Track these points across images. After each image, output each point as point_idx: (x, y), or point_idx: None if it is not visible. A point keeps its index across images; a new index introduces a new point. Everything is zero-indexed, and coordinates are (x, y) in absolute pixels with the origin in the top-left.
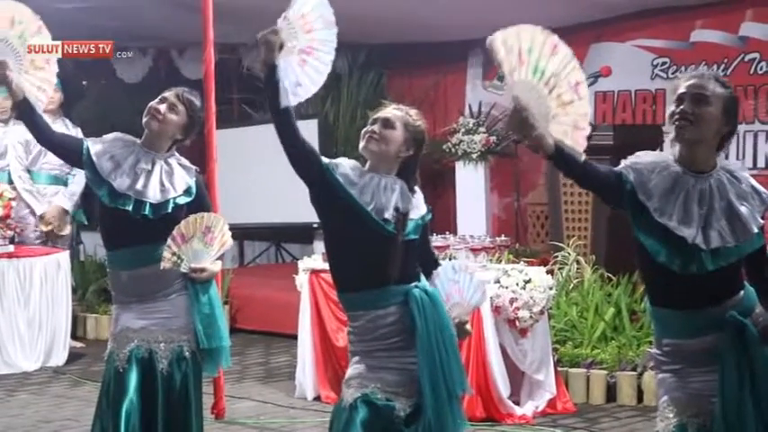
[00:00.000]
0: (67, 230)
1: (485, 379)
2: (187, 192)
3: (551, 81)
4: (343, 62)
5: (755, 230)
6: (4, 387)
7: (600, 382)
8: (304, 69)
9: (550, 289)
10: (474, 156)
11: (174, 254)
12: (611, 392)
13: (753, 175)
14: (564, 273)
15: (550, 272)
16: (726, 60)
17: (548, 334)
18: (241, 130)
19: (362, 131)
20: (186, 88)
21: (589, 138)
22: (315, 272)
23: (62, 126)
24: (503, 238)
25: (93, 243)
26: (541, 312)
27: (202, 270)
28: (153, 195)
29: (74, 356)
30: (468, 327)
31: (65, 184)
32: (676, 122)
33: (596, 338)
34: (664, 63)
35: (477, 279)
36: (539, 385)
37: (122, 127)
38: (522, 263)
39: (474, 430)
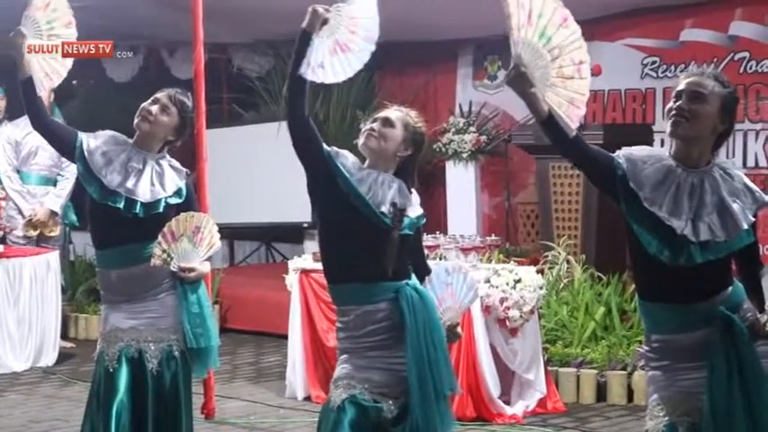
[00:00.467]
0: (57, 231)
1: (475, 378)
2: (177, 193)
3: (555, 51)
4: None
5: (745, 227)
6: None
7: (590, 381)
8: (332, 58)
9: (540, 288)
10: (464, 155)
11: (164, 251)
12: (601, 392)
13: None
14: (554, 272)
15: (541, 271)
16: (715, 59)
17: (538, 333)
18: (231, 129)
19: (362, 129)
20: (179, 89)
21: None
22: (305, 272)
23: None
24: (493, 237)
25: (83, 243)
26: (531, 312)
27: (191, 270)
28: (143, 194)
29: (63, 357)
30: (459, 330)
31: (54, 184)
32: (672, 118)
33: (586, 338)
34: (654, 62)
35: (470, 278)
36: (529, 385)
37: (112, 127)
38: (512, 262)
39: (464, 430)
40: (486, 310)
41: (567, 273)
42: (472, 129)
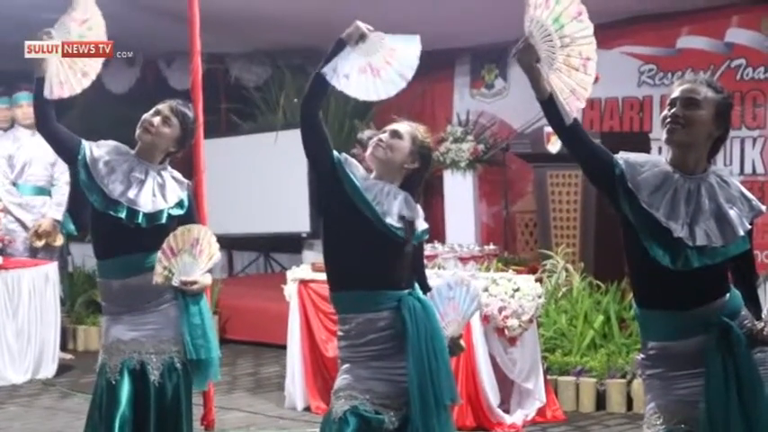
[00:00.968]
0: (61, 241)
1: (474, 388)
2: (179, 204)
3: (566, 39)
4: None
5: (742, 233)
6: None
7: (589, 389)
8: (360, 75)
9: (539, 297)
10: (462, 164)
11: (165, 268)
12: (600, 400)
13: (739, 181)
14: (553, 281)
15: (539, 280)
16: (712, 67)
17: (537, 342)
18: (229, 139)
19: (371, 140)
20: (180, 101)
21: None
22: (304, 282)
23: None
24: (491, 246)
25: (81, 254)
26: (530, 321)
27: (193, 282)
28: (145, 205)
29: (63, 368)
30: (461, 342)
31: (50, 194)
32: (667, 125)
33: (585, 346)
34: (651, 70)
35: (473, 289)
36: (528, 393)
37: (110, 138)
38: (510, 271)
39: None
40: (485, 319)
41: (566, 281)
42: (470, 138)
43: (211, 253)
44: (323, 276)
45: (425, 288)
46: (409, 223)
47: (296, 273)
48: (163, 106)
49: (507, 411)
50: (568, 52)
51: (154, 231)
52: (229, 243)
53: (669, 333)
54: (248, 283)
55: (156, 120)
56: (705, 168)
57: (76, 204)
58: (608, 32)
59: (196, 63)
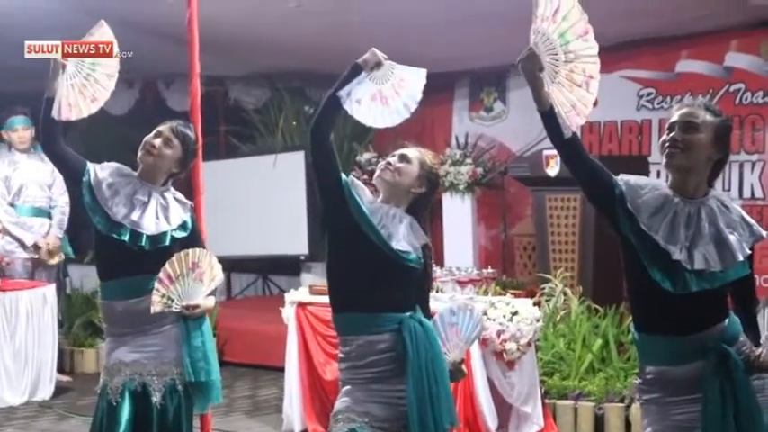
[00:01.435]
0: (57, 260)
1: (472, 411)
2: (182, 227)
3: (570, 55)
4: None
5: (741, 258)
6: None
7: (588, 413)
8: (370, 102)
9: (537, 321)
10: (461, 187)
11: (163, 296)
12: (598, 424)
13: (738, 206)
14: (551, 304)
15: (537, 303)
16: (711, 91)
17: (535, 366)
18: (228, 162)
19: (379, 164)
20: (181, 122)
21: None
22: (302, 304)
23: (38, 160)
24: (489, 269)
25: (79, 276)
26: (528, 344)
27: (195, 306)
28: (148, 227)
29: (60, 390)
30: (463, 367)
31: (48, 216)
32: (667, 149)
33: (584, 370)
34: (650, 94)
35: (476, 313)
36: (526, 417)
37: (110, 160)
38: (508, 294)
39: None
40: (484, 342)
41: (564, 305)
42: (468, 161)
43: (213, 275)
44: (321, 299)
45: (427, 315)
46: (429, 249)
47: (294, 295)
48: (164, 127)
49: None
50: (572, 68)
51: (157, 254)
52: (228, 265)
53: (667, 358)
54: (246, 305)
55: (158, 141)
56: (705, 192)
57: (75, 227)
58: (607, 56)
59: (195, 85)
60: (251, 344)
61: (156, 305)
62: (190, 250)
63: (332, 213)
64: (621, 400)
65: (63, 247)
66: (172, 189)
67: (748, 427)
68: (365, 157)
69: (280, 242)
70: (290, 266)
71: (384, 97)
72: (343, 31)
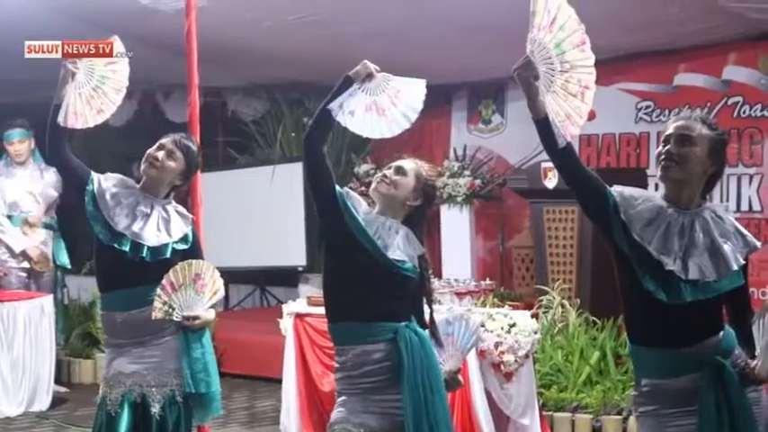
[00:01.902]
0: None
1: (470, 423)
2: (184, 239)
3: (566, 65)
4: None
5: (735, 268)
6: None
7: (585, 426)
8: (365, 113)
9: (535, 333)
10: (459, 199)
11: (164, 303)
12: None
13: (736, 219)
14: (549, 316)
15: (535, 315)
16: (709, 104)
17: (533, 378)
18: (226, 173)
19: (375, 176)
20: (183, 134)
21: None
22: (299, 316)
23: (36, 170)
24: (487, 281)
25: (77, 287)
26: (526, 356)
27: (195, 318)
28: (149, 238)
29: (57, 401)
30: (459, 377)
31: (46, 226)
32: (662, 162)
33: (581, 382)
34: (648, 107)
35: (472, 323)
36: (524, 430)
37: (108, 170)
38: (506, 306)
39: None
40: (481, 354)
41: (562, 317)
42: (467, 173)
43: (215, 288)
44: (319, 310)
45: (423, 326)
46: (425, 261)
47: (292, 306)
48: (166, 140)
49: None
50: (567, 78)
51: (158, 266)
52: (226, 276)
53: (662, 370)
54: (244, 316)
55: (161, 154)
56: (699, 204)
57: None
58: (605, 69)
59: (194, 96)
60: (249, 355)
61: (158, 312)
62: (193, 261)
63: (327, 224)
64: (619, 413)
65: (58, 257)
66: (173, 202)
67: None
68: (363, 168)
69: (278, 253)
70: (287, 278)
71: (380, 108)
72: (342, 43)
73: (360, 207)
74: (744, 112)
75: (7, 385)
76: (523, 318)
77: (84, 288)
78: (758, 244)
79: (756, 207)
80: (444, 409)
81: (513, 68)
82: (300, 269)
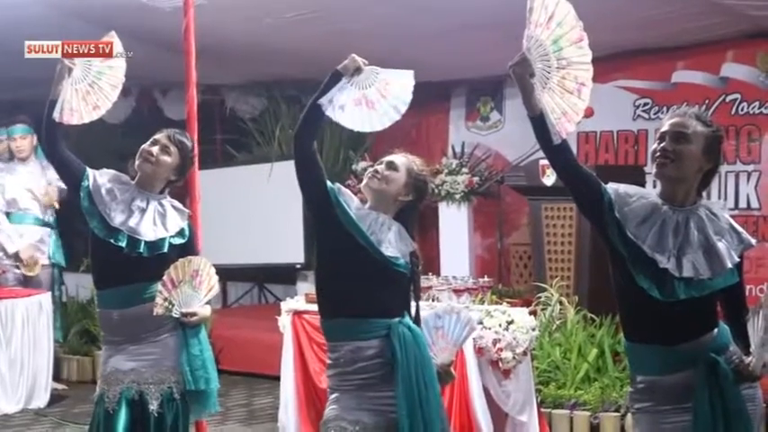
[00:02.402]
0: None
1: (467, 420)
2: (180, 233)
3: (563, 62)
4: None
5: (730, 266)
6: None
7: (583, 423)
8: (354, 107)
9: (533, 330)
10: (457, 196)
11: (165, 299)
12: None
13: (734, 216)
14: (547, 313)
15: (533, 313)
16: (707, 101)
17: (531, 375)
18: (224, 170)
19: (366, 171)
20: (177, 130)
21: None
22: (297, 313)
23: (37, 166)
24: (485, 278)
25: (75, 284)
26: (524, 353)
27: (193, 314)
28: (146, 233)
29: (55, 398)
30: (452, 370)
31: (45, 224)
32: (657, 160)
33: (579, 379)
34: (646, 104)
35: (464, 316)
36: (522, 427)
37: (105, 167)
38: (504, 303)
39: None
40: (479, 351)
41: (560, 314)
42: (465, 170)
43: (211, 285)
44: (317, 308)
45: (416, 322)
46: (417, 257)
47: (290, 304)
48: (161, 135)
49: None
50: (564, 75)
51: (155, 261)
52: (224, 274)
53: (657, 367)
54: (242, 313)
55: (156, 149)
56: (694, 201)
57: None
58: (603, 66)
59: (191, 94)
60: (247, 352)
61: (159, 308)
62: (193, 258)
63: (320, 220)
64: (617, 410)
65: (54, 256)
66: (169, 197)
67: None
68: (361, 165)
69: (276, 251)
70: (286, 275)
71: (370, 101)
72: (340, 41)
73: (352, 203)
74: (742, 110)
75: (5, 382)
76: (521, 315)
77: (82, 285)
78: (753, 241)
79: (754, 204)
80: (438, 405)
81: (508, 65)
82: (299, 266)
